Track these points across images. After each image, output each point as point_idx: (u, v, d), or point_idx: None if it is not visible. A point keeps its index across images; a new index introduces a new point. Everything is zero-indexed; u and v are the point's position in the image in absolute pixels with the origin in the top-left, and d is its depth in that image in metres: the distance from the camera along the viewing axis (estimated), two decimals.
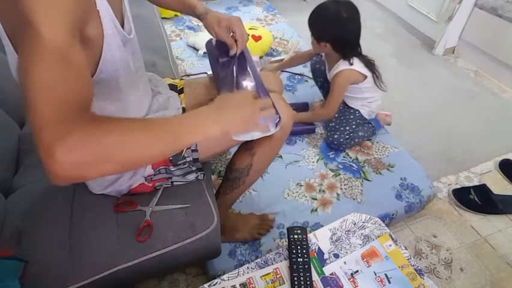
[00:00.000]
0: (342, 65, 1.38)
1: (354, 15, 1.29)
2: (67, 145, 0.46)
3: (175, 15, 2.46)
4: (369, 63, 1.40)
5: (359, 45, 1.38)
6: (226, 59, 0.99)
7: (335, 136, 1.48)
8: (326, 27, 1.34)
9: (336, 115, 1.55)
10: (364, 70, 1.39)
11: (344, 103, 1.55)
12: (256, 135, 0.83)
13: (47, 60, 0.48)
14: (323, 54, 1.54)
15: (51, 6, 0.48)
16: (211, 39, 1.08)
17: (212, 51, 1.06)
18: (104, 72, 0.66)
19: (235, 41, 0.97)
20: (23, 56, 0.49)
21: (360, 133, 1.50)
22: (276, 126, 0.82)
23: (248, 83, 0.93)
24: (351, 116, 1.51)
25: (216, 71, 1.03)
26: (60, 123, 0.46)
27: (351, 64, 1.36)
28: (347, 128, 1.49)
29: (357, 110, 1.52)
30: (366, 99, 1.49)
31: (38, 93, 0.47)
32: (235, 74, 0.96)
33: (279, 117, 0.82)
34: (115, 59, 0.67)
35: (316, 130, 1.61)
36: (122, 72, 0.72)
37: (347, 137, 1.48)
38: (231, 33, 0.97)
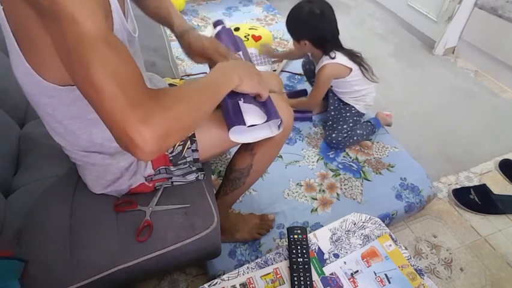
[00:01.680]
0: (325, 60, 1.41)
1: (327, 11, 1.34)
2: (150, 124, 0.49)
3: None
4: (353, 56, 1.43)
5: (338, 39, 1.41)
6: None
7: (333, 135, 1.49)
8: (301, 26, 1.39)
9: (333, 113, 1.57)
10: (348, 63, 1.41)
11: (339, 100, 1.57)
12: (258, 137, 0.83)
13: (103, 51, 0.49)
14: (310, 54, 1.56)
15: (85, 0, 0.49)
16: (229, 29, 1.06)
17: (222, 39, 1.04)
18: None
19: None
20: (72, 49, 0.49)
21: (358, 131, 1.50)
22: (279, 128, 0.83)
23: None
24: (348, 114, 1.52)
25: None
26: (137, 107, 0.49)
27: (334, 58, 1.39)
28: (345, 126, 1.50)
29: (353, 107, 1.53)
30: (358, 93, 1.51)
31: (106, 85, 0.48)
32: None
33: (281, 120, 0.82)
34: None
35: (316, 130, 1.61)
36: None
37: (345, 135, 1.49)
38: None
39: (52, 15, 0.48)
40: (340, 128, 1.50)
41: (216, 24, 1.05)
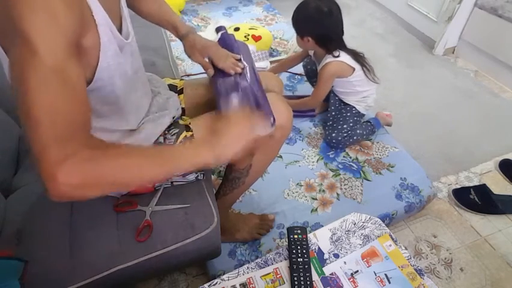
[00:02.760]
0: (329, 58, 1.41)
1: (335, 10, 1.34)
2: (67, 169, 0.48)
3: None
4: (357, 56, 1.43)
5: (342, 39, 1.41)
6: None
7: (333, 135, 1.49)
8: (307, 22, 1.37)
9: (333, 113, 1.57)
10: (352, 62, 1.41)
11: (340, 100, 1.57)
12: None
13: (46, 81, 0.48)
14: (312, 54, 1.55)
15: (48, 23, 0.48)
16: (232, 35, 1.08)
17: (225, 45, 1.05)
18: (100, 79, 0.65)
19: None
20: (19, 73, 0.48)
21: (358, 131, 1.51)
22: (272, 125, 0.82)
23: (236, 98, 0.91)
24: (348, 114, 1.52)
25: (214, 83, 1.01)
26: (62, 147, 0.48)
27: (337, 56, 1.39)
28: (345, 126, 1.50)
29: (353, 107, 1.53)
30: (360, 94, 1.51)
31: (38, 116, 0.47)
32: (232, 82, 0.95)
33: (273, 118, 0.81)
34: (110, 66, 0.66)
35: (316, 130, 1.61)
36: (119, 77, 0.72)
37: (345, 135, 1.49)
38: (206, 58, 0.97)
39: (17, 30, 0.47)
40: (340, 127, 1.50)
41: (218, 30, 1.09)
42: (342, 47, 1.41)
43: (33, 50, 0.47)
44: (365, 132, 1.52)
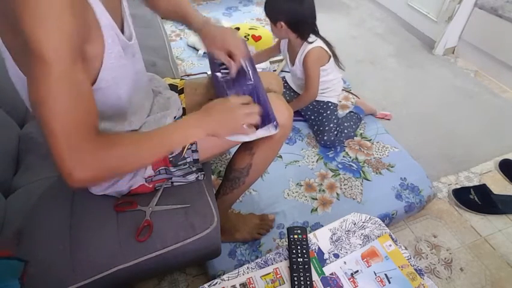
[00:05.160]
0: (308, 46, 1.40)
1: None
2: (82, 170, 0.57)
3: None
4: (328, 43, 1.43)
5: (315, 23, 1.39)
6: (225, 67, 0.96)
7: (325, 138, 1.50)
8: (278, 7, 1.35)
9: (313, 117, 1.58)
10: (327, 48, 1.42)
11: (313, 101, 1.57)
12: (256, 136, 0.83)
13: (56, 89, 0.52)
14: (285, 49, 1.54)
15: (54, 31, 0.50)
16: None
17: (211, 56, 1.02)
18: (103, 80, 0.66)
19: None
20: (33, 83, 0.53)
21: (346, 123, 1.53)
22: (276, 128, 0.82)
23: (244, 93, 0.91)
24: (328, 112, 1.53)
25: (214, 76, 1.02)
26: (75, 151, 0.55)
27: (312, 42, 1.39)
28: (331, 125, 1.51)
29: (328, 102, 1.54)
30: (330, 82, 1.52)
31: (52, 124, 0.53)
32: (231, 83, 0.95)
33: (276, 121, 0.82)
34: (114, 67, 0.67)
35: (309, 132, 1.62)
36: (122, 78, 0.72)
37: (335, 132, 1.51)
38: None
39: (27, 41, 0.50)
40: (328, 128, 1.51)
41: None
42: (316, 32, 1.41)
43: (42, 58, 0.50)
44: (352, 123, 1.55)
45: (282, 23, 1.35)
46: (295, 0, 1.31)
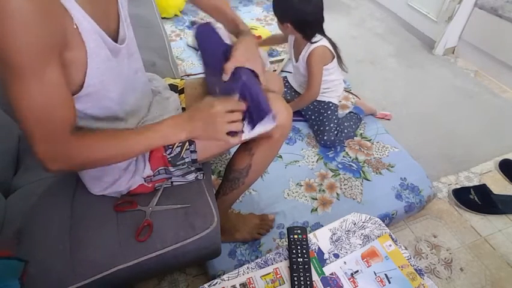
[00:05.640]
0: (313, 45, 1.42)
1: None
2: (53, 161, 0.62)
3: (175, 15, 2.46)
4: (333, 44, 1.45)
5: (322, 25, 1.41)
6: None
7: (325, 138, 1.50)
8: (285, 8, 1.37)
9: (313, 117, 1.58)
10: (331, 48, 1.44)
11: (314, 101, 1.57)
12: (256, 132, 0.81)
13: (28, 88, 0.55)
14: (291, 45, 1.55)
15: (21, 37, 0.51)
16: (210, 25, 0.90)
17: (209, 40, 0.90)
18: (91, 85, 0.66)
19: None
20: (6, 85, 0.55)
21: (346, 123, 1.54)
22: (274, 120, 0.79)
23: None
24: (328, 112, 1.54)
25: (207, 64, 0.92)
26: (47, 142, 0.60)
27: (317, 42, 1.41)
28: (331, 125, 1.51)
29: (329, 102, 1.55)
30: (332, 82, 1.53)
31: (25, 119, 0.57)
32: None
33: (272, 113, 0.78)
34: (101, 71, 0.66)
35: (309, 132, 1.62)
36: (112, 80, 0.72)
37: (336, 132, 1.51)
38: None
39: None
40: (328, 128, 1.51)
41: (193, 24, 0.97)
42: (322, 33, 1.43)
43: (12, 62, 0.52)
44: (352, 123, 1.55)
45: (288, 24, 1.38)
46: (302, 2, 1.32)
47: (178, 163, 0.88)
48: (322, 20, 1.39)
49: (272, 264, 0.79)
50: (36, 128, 0.58)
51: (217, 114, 0.73)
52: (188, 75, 1.92)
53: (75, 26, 0.58)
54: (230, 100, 0.77)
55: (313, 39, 1.41)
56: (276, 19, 1.44)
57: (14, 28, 0.49)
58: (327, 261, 0.79)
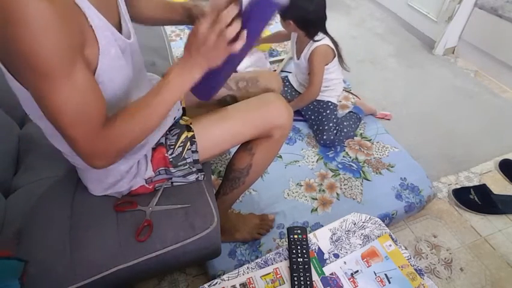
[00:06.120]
0: (315, 43, 1.43)
1: None
2: (99, 157, 0.64)
3: None
4: (335, 43, 1.46)
5: (324, 24, 1.42)
6: None
7: (324, 137, 1.50)
8: (288, 6, 1.34)
9: (313, 117, 1.59)
10: (333, 47, 1.45)
11: (314, 100, 1.58)
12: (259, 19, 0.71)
13: (61, 91, 0.55)
14: (294, 42, 1.55)
15: (46, 42, 0.51)
16: None
17: None
18: (100, 83, 0.66)
19: None
20: (39, 96, 0.56)
21: (345, 123, 1.54)
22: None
23: None
24: (327, 111, 1.54)
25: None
26: (88, 140, 0.61)
27: (319, 40, 1.42)
28: (330, 124, 1.51)
29: (328, 101, 1.55)
30: (331, 81, 1.53)
31: (64, 124, 0.58)
32: None
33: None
34: (111, 68, 0.67)
35: (309, 132, 1.62)
36: (120, 78, 0.72)
37: (335, 131, 1.51)
38: None
39: (24, 58, 0.52)
40: (327, 128, 1.51)
41: None
42: (323, 31, 1.43)
43: (40, 69, 0.52)
44: (351, 122, 1.55)
45: (291, 21, 1.39)
46: (304, 1, 1.32)
47: (179, 164, 0.88)
48: (324, 18, 1.40)
49: (272, 264, 0.79)
50: (77, 130, 0.59)
51: (204, 35, 0.65)
52: None
53: (90, 24, 0.59)
54: (208, 14, 0.68)
55: (316, 38, 1.42)
56: (278, 17, 1.45)
57: (38, 34, 0.50)
58: (327, 261, 0.79)
